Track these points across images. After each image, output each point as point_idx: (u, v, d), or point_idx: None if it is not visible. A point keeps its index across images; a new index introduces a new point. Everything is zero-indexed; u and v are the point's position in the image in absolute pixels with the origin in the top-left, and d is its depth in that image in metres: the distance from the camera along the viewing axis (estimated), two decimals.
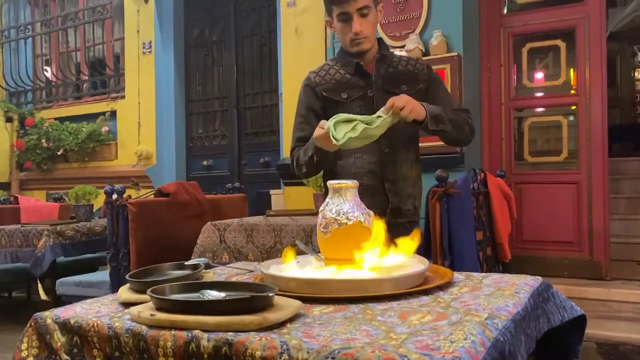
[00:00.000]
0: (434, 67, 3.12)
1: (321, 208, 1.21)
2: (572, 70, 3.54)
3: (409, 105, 1.51)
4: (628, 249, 3.71)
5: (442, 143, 3.13)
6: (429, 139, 3.20)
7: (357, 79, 1.76)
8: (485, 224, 2.72)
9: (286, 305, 0.94)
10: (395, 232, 1.34)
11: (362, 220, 1.17)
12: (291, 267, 1.24)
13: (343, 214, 1.16)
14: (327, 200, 1.22)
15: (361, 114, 1.57)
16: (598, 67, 3.36)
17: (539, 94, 3.78)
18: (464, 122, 1.73)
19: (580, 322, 1.22)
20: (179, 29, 5.17)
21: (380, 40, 1.82)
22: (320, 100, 1.78)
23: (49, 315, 1.04)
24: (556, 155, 3.60)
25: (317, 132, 1.54)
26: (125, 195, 2.90)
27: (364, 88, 1.75)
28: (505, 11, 3.67)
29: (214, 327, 0.87)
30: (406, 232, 1.60)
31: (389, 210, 1.71)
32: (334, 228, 1.16)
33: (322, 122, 1.53)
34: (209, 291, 1.00)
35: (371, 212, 1.21)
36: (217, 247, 2.69)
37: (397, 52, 1.81)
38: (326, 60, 1.92)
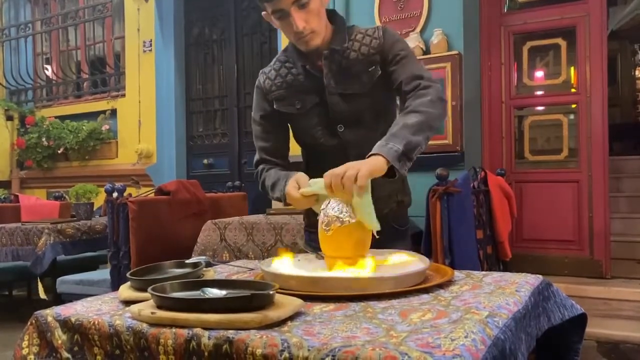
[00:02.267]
0: (434, 66, 3.19)
1: (323, 206, 1.21)
2: (572, 68, 3.54)
3: (347, 179, 1.16)
4: (628, 247, 3.71)
5: (442, 142, 3.19)
6: None
7: (309, 81, 1.49)
8: (486, 223, 2.72)
9: (287, 303, 0.94)
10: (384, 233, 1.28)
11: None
12: (292, 265, 1.24)
13: (345, 212, 1.16)
14: (329, 200, 1.21)
15: (321, 124, 1.48)
16: (598, 66, 3.36)
17: (540, 93, 3.77)
18: (431, 116, 1.34)
19: (580, 321, 1.22)
20: (180, 27, 5.17)
21: (336, 25, 1.50)
22: (275, 110, 1.54)
23: (49, 313, 1.04)
24: (556, 154, 3.60)
25: (292, 193, 1.30)
26: (125, 194, 2.90)
27: (320, 92, 1.48)
28: (505, 10, 3.66)
29: (215, 325, 0.87)
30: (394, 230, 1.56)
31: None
32: (336, 226, 1.15)
33: (294, 183, 1.31)
34: (209, 289, 1.00)
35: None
36: (217, 245, 2.69)
37: (360, 30, 1.50)
38: (284, 52, 1.57)
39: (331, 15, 1.50)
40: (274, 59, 1.58)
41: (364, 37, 1.47)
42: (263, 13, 1.46)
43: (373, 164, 1.20)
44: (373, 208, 1.17)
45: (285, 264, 1.23)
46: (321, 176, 1.24)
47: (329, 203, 1.20)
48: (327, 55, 1.45)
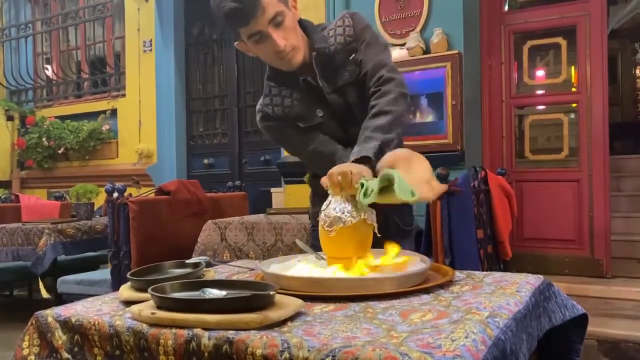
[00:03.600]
0: (434, 66, 3.19)
1: (323, 207, 1.20)
2: (573, 68, 3.54)
3: (356, 175, 1.16)
4: (629, 246, 3.71)
5: (442, 142, 3.19)
6: (428, 137, 3.23)
7: (312, 94, 1.46)
8: (486, 222, 2.72)
9: (287, 304, 0.94)
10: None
11: (366, 218, 1.17)
12: (292, 265, 1.24)
13: (347, 213, 1.15)
14: (329, 198, 1.21)
15: (338, 128, 1.47)
16: (599, 65, 3.36)
17: (540, 92, 3.77)
18: (398, 114, 1.35)
19: (581, 321, 1.22)
20: (180, 27, 5.17)
21: (308, 31, 1.47)
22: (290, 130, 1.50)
23: (50, 314, 1.04)
24: (557, 153, 3.59)
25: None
26: (126, 194, 2.91)
27: (323, 96, 1.46)
28: (506, 9, 3.66)
29: (215, 325, 0.87)
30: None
31: None
32: (339, 227, 1.15)
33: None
34: (209, 289, 1.00)
35: (374, 211, 1.20)
36: (218, 245, 2.69)
37: (330, 25, 1.49)
38: (269, 82, 1.52)
39: (299, 24, 1.46)
40: (265, 90, 1.53)
41: (336, 29, 1.46)
42: (236, 43, 1.43)
43: (361, 167, 1.21)
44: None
45: (285, 265, 1.24)
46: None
47: (329, 204, 1.19)
48: (315, 57, 1.43)
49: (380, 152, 1.27)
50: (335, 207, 1.17)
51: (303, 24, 1.47)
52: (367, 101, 1.44)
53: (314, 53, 1.43)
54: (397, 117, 1.35)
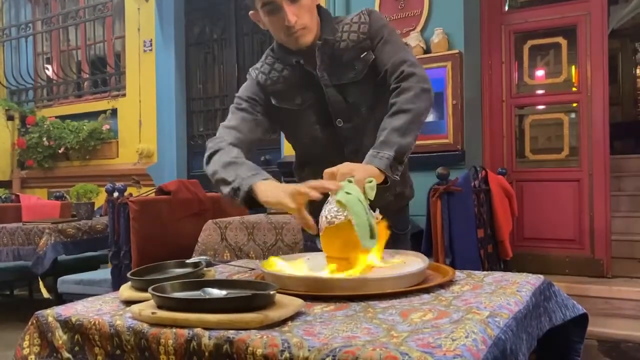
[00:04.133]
0: (434, 65, 3.18)
1: (324, 208, 1.19)
2: (573, 67, 3.54)
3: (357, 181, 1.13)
4: (629, 246, 3.71)
5: (442, 141, 3.19)
6: (429, 137, 3.23)
7: (304, 77, 1.43)
8: (487, 222, 2.72)
9: (287, 304, 0.94)
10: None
11: (351, 219, 1.15)
12: (293, 265, 1.24)
13: (334, 213, 1.14)
14: (329, 199, 1.20)
15: (320, 122, 1.44)
16: (599, 65, 3.36)
17: (540, 92, 3.77)
18: (418, 111, 1.32)
19: (582, 321, 1.22)
20: (180, 27, 5.17)
21: (323, 17, 1.44)
22: (265, 100, 1.47)
23: (50, 313, 1.04)
24: (557, 153, 3.59)
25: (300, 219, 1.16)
26: (126, 194, 2.91)
27: (316, 88, 1.42)
28: (506, 8, 3.66)
29: (215, 325, 0.87)
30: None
31: None
32: (326, 226, 1.13)
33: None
34: (210, 289, 1.00)
35: (376, 211, 1.19)
36: (218, 245, 2.69)
37: (346, 20, 1.45)
38: (270, 52, 1.51)
39: (317, 9, 1.44)
40: (264, 56, 1.51)
41: (351, 25, 1.42)
42: (250, 13, 1.41)
43: (369, 170, 1.18)
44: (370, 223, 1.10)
45: (286, 265, 1.23)
46: (316, 177, 1.21)
47: (327, 203, 1.18)
48: (319, 47, 1.39)
49: (395, 162, 1.23)
50: (328, 206, 1.16)
51: (320, 11, 1.44)
52: (377, 101, 1.42)
53: (319, 42, 1.39)
54: (417, 116, 1.31)
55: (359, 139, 1.42)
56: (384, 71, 1.39)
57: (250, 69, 1.52)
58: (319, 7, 1.44)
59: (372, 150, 1.26)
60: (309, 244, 1.57)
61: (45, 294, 3.31)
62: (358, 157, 1.31)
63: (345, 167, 1.17)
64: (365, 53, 1.41)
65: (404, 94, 1.32)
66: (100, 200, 3.95)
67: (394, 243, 1.33)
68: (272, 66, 1.47)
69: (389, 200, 1.48)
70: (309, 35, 1.37)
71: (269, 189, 1.19)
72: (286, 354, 0.77)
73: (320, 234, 1.17)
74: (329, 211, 1.15)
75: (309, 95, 1.44)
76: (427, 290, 1.07)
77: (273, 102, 1.47)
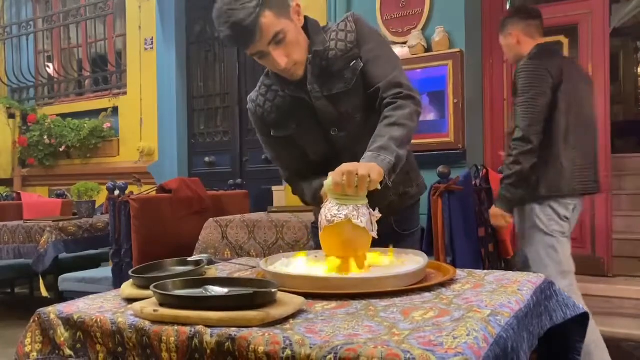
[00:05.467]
0: (435, 64, 3.18)
1: (324, 204, 1.20)
2: None
3: (362, 178, 1.13)
4: (630, 245, 3.71)
5: (443, 140, 3.18)
6: (430, 136, 3.23)
7: (297, 99, 1.44)
8: (487, 221, 2.72)
9: (289, 302, 0.94)
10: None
11: (360, 219, 1.15)
12: (293, 263, 1.24)
13: (344, 212, 1.14)
14: (329, 197, 1.20)
15: (318, 135, 1.45)
16: (601, 63, 3.36)
17: None
18: (411, 130, 1.33)
19: (582, 320, 1.22)
20: (181, 25, 5.16)
21: (311, 31, 1.42)
22: (270, 134, 1.52)
23: (52, 311, 1.04)
24: None
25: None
26: (127, 192, 2.91)
27: (309, 105, 1.43)
28: (507, 7, 3.66)
29: (217, 322, 0.87)
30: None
31: None
32: (329, 225, 1.13)
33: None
34: (211, 287, 1.00)
35: (376, 209, 1.20)
36: (219, 243, 2.70)
37: (333, 27, 1.44)
38: (265, 77, 1.53)
39: (304, 23, 1.42)
40: (259, 83, 1.53)
41: (338, 33, 1.41)
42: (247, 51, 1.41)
43: (378, 170, 1.17)
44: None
45: (287, 263, 1.24)
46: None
47: (329, 202, 1.18)
48: (310, 60, 1.39)
49: (393, 169, 1.24)
50: (332, 205, 1.16)
51: (306, 25, 1.43)
52: (370, 107, 1.41)
53: (309, 56, 1.39)
54: (410, 133, 1.32)
55: (355, 146, 1.41)
56: (376, 87, 1.38)
57: (248, 99, 1.55)
58: (306, 19, 1.42)
59: (370, 152, 1.25)
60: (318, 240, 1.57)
61: (44, 292, 3.31)
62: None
63: (362, 168, 1.15)
64: (354, 62, 1.40)
65: (401, 110, 1.33)
66: (101, 198, 3.96)
67: (397, 243, 1.33)
68: (265, 96, 1.50)
69: (391, 200, 1.48)
70: (300, 70, 1.38)
71: None
72: (288, 352, 0.78)
73: (320, 232, 1.17)
74: (328, 210, 1.15)
75: (303, 114, 1.44)
76: (428, 289, 1.07)
77: (272, 133, 1.50)
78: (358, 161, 1.25)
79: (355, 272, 1.13)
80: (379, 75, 1.38)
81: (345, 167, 1.14)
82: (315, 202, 1.42)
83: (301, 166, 1.54)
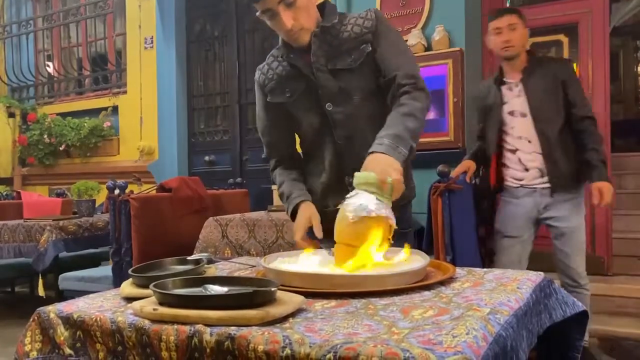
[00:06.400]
0: (435, 63, 3.18)
1: (350, 194, 1.18)
2: (574, 65, 3.53)
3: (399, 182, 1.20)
4: (630, 244, 3.71)
5: (443, 139, 3.18)
6: (430, 135, 3.23)
7: (297, 68, 1.50)
8: (487, 220, 2.72)
9: (288, 300, 0.94)
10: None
11: (389, 216, 1.16)
12: (293, 262, 1.24)
13: (375, 205, 1.14)
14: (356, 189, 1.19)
15: (312, 109, 1.48)
16: (601, 62, 3.35)
17: None
18: (422, 124, 1.41)
19: (582, 318, 1.22)
20: (181, 24, 5.16)
21: (326, 12, 1.50)
22: (271, 103, 1.58)
23: (52, 310, 1.04)
24: None
25: (299, 242, 1.40)
26: (127, 191, 2.91)
27: (307, 77, 1.48)
28: (507, 6, 3.65)
29: (217, 321, 0.87)
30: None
31: None
32: (362, 215, 1.12)
33: (303, 222, 1.41)
34: (211, 286, 1.00)
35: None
36: (219, 242, 2.70)
37: (354, 15, 1.51)
38: (279, 48, 1.59)
39: (321, 6, 1.50)
40: (269, 55, 1.62)
41: (357, 19, 1.49)
42: (257, 13, 1.48)
43: (401, 171, 1.23)
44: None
45: (286, 261, 1.24)
46: (316, 171, 1.51)
47: (357, 193, 1.17)
48: (317, 34, 1.45)
49: (405, 161, 1.29)
50: (365, 196, 1.15)
51: (325, 5, 1.50)
52: (371, 91, 1.47)
53: (316, 30, 1.45)
54: (421, 128, 1.39)
55: (351, 125, 1.48)
56: (394, 75, 1.43)
57: (257, 69, 1.63)
58: (325, 3, 1.50)
59: (389, 140, 1.28)
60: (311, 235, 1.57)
61: (41, 292, 3.30)
62: (352, 143, 1.46)
63: (396, 172, 1.20)
64: (365, 45, 1.46)
65: (416, 102, 1.39)
66: (101, 197, 3.96)
67: (396, 241, 1.33)
68: (270, 65, 1.58)
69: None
70: (306, 35, 1.45)
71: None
72: (287, 350, 0.78)
73: (338, 216, 1.18)
74: (352, 205, 1.15)
75: (299, 84, 1.50)
76: (427, 287, 1.08)
77: (267, 99, 1.57)
78: (353, 136, 1.44)
79: (356, 270, 1.12)
80: (397, 63, 1.44)
81: (385, 170, 1.19)
82: (290, 216, 1.52)
83: (291, 151, 1.63)
